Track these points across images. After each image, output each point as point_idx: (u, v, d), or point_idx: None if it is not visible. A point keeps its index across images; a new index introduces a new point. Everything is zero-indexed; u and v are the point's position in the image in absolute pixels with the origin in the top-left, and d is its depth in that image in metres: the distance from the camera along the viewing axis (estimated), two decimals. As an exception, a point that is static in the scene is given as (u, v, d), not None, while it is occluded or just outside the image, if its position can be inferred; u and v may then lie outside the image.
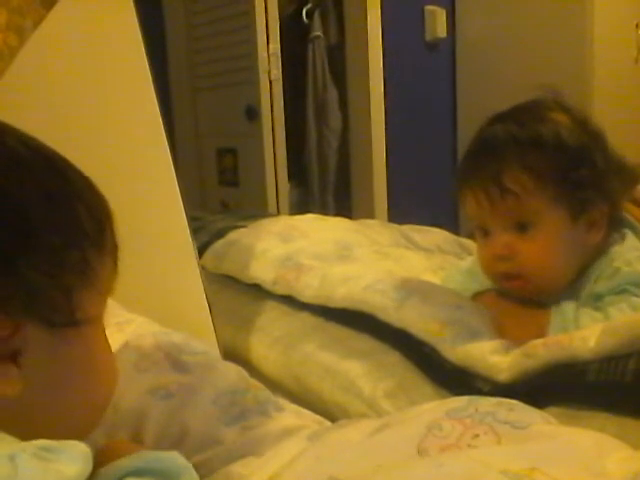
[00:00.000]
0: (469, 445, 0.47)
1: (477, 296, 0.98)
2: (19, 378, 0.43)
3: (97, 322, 0.50)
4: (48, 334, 0.44)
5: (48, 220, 0.44)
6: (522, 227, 0.88)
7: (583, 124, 0.91)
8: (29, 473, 0.35)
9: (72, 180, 0.48)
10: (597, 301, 0.87)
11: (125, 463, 0.47)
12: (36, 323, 0.43)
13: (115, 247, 0.51)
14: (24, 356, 0.43)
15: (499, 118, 0.93)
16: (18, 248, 0.42)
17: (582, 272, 0.90)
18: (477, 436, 0.47)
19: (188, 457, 0.57)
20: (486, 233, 0.92)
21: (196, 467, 0.56)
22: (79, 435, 0.51)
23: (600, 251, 0.90)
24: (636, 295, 0.83)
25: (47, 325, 0.44)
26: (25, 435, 0.40)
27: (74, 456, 0.38)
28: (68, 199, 0.47)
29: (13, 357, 0.43)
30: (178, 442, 0.60)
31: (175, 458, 0.48)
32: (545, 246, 0.88)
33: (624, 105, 2.57)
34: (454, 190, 0.96)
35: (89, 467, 0.39)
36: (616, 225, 0.91)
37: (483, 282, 1.00)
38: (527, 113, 0.92)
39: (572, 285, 0.91)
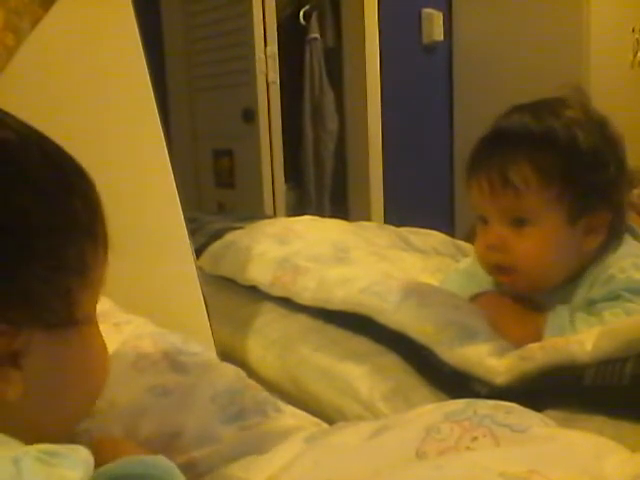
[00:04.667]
0: (468, 448, 0.47)
1: (475, 297, 0.98)
2: (20, 381, 0.43)
3: (93, 318, 0.50)
4: (48, 335, 0.45)
5: (47, 222, 0.44)
6: (519, 222, 0.89)
7: (602, 128, 0.90)
8: (33, 476, 0.35)
9: (67, 171, 0.47)
10: (591, 307, 0.87)
11: (109, 471, 0.46)
12: (36, 326, 0.44)
13: (106, 236, 0.50)
14: (25, 359, 0.44)
15: (518, 109, 0.93)
16: (18, 255, 0.42)
17: (577, 277, 0.91)
18: (476, 439, 0.47)
19: (184, 454, 0.57)
20: (485, 222, 0.92)
21: (192, 464, 0.56)
22: (69, 425, 0.52)
23: (596, 257, 0.90)
24: (630, 301, 0.84)
25: (47, 327, 0.44)
26: (22, 433, 0.40)
27: (77, 461, 0.38)
28: (65, 194, 0.46)
29: (14, 360, 0.43)
30: (174, 438, 0.59)
31: (159, 461, 0.48)
32: (538, 245, 0.88)
33: (620, 109, 2.56)
34: (450, 193, 0.96)
35: (90, 473, 0.39)
36: (617, 233, 0.91)
37: (481, 283, 1.01)
38: (546, 108, 0.91)
39: (566, 288, 0.91)
